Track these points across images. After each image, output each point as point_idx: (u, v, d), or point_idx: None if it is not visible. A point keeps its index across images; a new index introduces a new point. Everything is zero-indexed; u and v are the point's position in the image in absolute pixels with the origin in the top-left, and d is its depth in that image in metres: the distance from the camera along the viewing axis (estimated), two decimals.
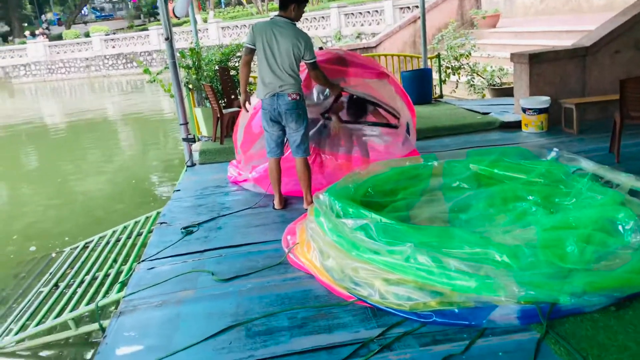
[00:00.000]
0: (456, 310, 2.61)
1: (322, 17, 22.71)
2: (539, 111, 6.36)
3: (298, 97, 4.25)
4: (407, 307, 2.70)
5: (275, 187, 4.60)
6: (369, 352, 2.47)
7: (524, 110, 6.47)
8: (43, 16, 50.40)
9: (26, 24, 45.84)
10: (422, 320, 2.65)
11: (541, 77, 6.62)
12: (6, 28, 44.82)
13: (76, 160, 11.82)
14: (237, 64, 8.19)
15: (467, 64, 10.43)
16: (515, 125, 6.72)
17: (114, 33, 36.26)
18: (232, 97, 7.63)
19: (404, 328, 2.63)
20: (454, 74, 10.41)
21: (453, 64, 10.31)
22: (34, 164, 12.57)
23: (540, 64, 6.61)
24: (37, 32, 38.37)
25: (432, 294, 2.68)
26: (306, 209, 4.25)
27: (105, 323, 3.68)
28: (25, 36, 38.20)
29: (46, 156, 12.99)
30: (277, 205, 4.60)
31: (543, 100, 6.39)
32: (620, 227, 2.96)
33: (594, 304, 2.54)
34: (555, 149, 4.12)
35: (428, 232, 3.01)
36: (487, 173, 4.03)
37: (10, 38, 41.33)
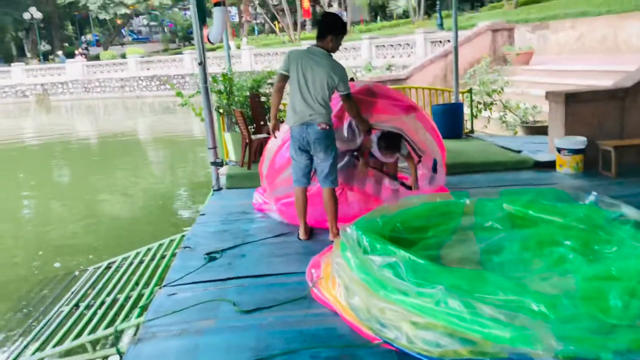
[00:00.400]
0: None
1: (354, 47, 22.92)
2: (575, 152, 6.19)
3: (328, 127, 4.21)
4: (436, 353, 2.56)
5: (300, 217, 4.53)
6: None
7: (559, 150, 6.31)
8: (83, 37, 52.31)
9: (67, 44, 47.59)
10: None
11: (577, 117, 6.46)
12: (47, 47, 46.57)
13: (107, 179, 11.98)
14: (267, 91, 8.25)
15: (500, 100, 10.31)
16: (550, 165, 6.54)
17: (149, 56, 37.32)
18: (262, 123, 7.65)
19: None
20: (486, 110, 10.30)
21: (485, 100, 10.20)
22: (65, 180, 12.80)
23: (577, 104, 6.47)
24: (76, 52, 39.70)
25: (463, 341, 2.54)
26: (332, 241, 4.16)
27: (123, 348, 3.61)
28: (58, 55, 39.47)
29: (77, 173, 13.22)
30: (302, 236, 4.52)
31: (579, 141, 6.23)
32: None
33: None
34: (594, 193, 3.95)
35: (460, 275, 2.88)
36: (522, 214, 3.88)
37: (50, 57, 42.89)
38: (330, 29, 4.21)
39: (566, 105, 6.45)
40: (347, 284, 3.12)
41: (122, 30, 53.94)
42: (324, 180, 4.35)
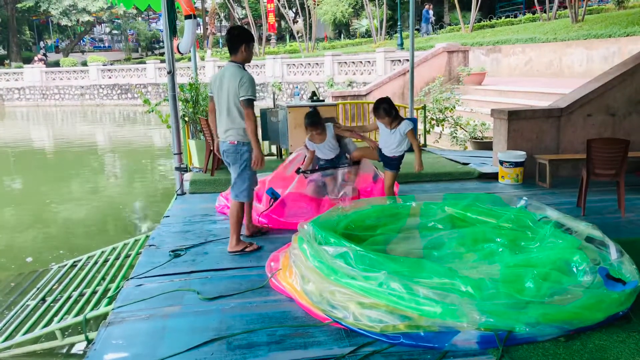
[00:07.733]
0: (422, 334, 2.85)
1: (317, 63, 23.48)
2: (515, 164, 6.75)
3: (236, 142, 4.31)
4: (378, 329, 2.93)
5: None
6: None
7: (501, 162, 6.86)
8: (42, 42, 51.19)
9: (24, 49, 46.49)
10: (390, 341, 2.88)
11: (518, 133, 7.04)
12: (3, 52, 45.39)
13: (60, 188, 11.81)
14: None
15: (451, 116, 10.93)
16: (493, 177, 7.09)
17: (111, 64, 36.93)
18: None
19: (373, 347, 2.86)
20: (438, 125, 10.89)
21: (438, 116, 10.80)
22: (16, 187, 12.60)
23: (518, 121, 7.05)
24: (35, 57, 38.83)
25: (402, 317, 2.93)
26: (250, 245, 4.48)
27: (91, 335, 3.82)
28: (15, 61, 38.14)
29: (32, 181, 13.03)
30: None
31: (519, 155, 6.80)
32: (574, 268, 3.26)
33: (546, 334, 2.81)
34: (524, 198, 4.44)
35: (401, 263, 3.26)
36: (461, 216, 4.34)
37: (6, 61, 41.81)
38: (242, 39, 4.29)
39: (509, 122, 7.02)
40: (303, 272, 3.46)
41: (84, 38, 53.10)
42: (231, 192, 4.50)
